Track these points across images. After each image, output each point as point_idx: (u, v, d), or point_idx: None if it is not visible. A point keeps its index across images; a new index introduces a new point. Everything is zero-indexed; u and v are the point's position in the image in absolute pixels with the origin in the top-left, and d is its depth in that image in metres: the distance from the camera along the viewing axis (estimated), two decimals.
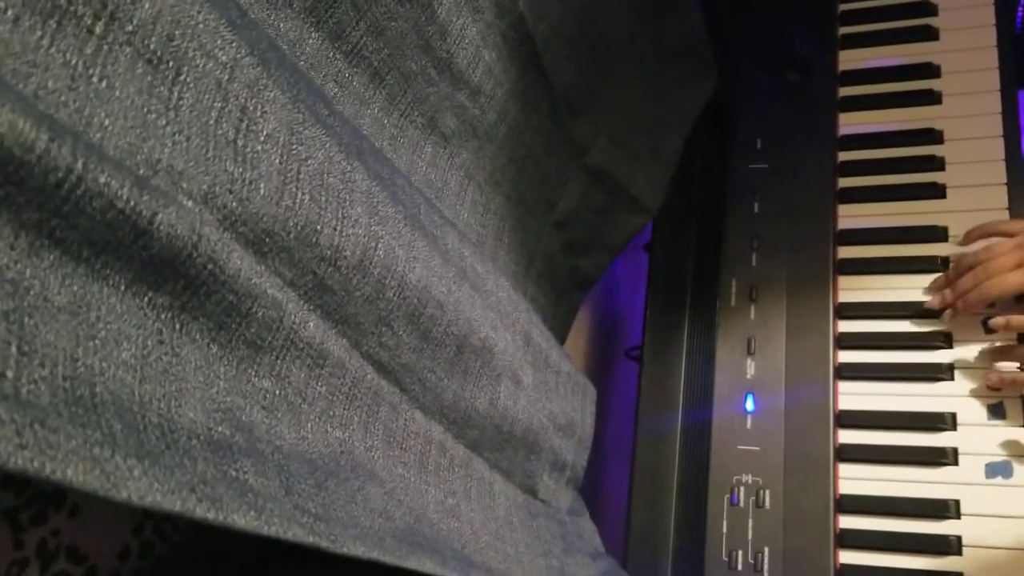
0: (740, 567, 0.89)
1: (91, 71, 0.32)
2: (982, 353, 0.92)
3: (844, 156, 1.06)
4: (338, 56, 0.56)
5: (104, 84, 0.32)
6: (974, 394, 0.90)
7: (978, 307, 0.91)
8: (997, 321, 0.89)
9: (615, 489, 1.10)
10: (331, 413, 0.48)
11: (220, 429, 0.37)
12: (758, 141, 1.08)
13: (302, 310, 0.44)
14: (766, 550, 0.89)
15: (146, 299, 0.34)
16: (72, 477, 0.27)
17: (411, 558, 0.46)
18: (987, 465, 0.87)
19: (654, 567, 0.93)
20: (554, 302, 1.01)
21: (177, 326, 0.36)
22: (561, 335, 1.06)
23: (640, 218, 1.07)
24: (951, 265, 0.95)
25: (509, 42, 0.74)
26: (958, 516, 0.86)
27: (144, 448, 0.31)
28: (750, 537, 0.90)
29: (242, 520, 0.33)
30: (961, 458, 0.88)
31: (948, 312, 0.93)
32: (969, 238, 0.95)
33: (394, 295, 0.50)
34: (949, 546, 0.85)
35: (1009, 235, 0.91)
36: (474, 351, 0.62)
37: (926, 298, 0.95)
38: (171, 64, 0.35)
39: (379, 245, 0.48)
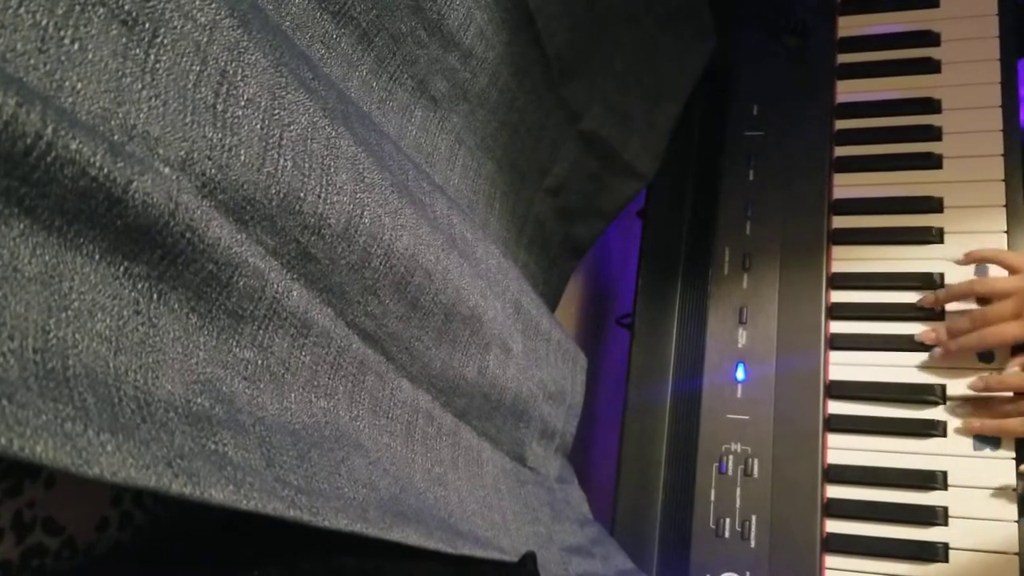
0: (727, 535, 0.89)
1: (62, 33, 0.30)
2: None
3: (841, 124, 1.05)
4: (325, 16, 0.55)
5: (76, 46, 0.31)
6: (964, 366, 0.90)
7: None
8: (986, 381, 0.88)
9: (604, 456, 1.10)
10: (315, 383, 0.47)
11: (199, 401, 0.36)
12: (754, 108, 1.07)
13: (285, 279, 0.43)
14: (753, 518, 0.89)
15: (122, 269, 0.34)
16: (42, 453, 0.26)
17: (395, 530, 0.46)
18: (975, 437, 0.87)
19: (642, 534, 0.93)
20: (546, 269, 1.00)
21: (155, 296, 0.35)
22: (552, 302, 1.05)
23: (634, 184, 1.06)
24: (945, 288, 0.93)
25: (501, 3, 0.72)
26: (945, 487, 0.86)
27: (118, 422, 0.30)
28: (738, 505, 0.90)
29: (220, 495, 0.33)
30: (949, 430, 0.88)
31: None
32: (968, 259, 0.93)
33: (380, 263, 0.50)
34: (936, 516, 0.85)
35: (1010, 268, 0.89)
36: (463, 319, 0.61)
37: (920, 270, 0.95)
38: (147, 25, 0.34)
39: (365, 213, 0.47)
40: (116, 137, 0.32)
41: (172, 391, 0.35)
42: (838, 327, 0.96)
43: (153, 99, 0.34)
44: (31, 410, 0.26)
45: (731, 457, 0.92)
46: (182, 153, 0.35)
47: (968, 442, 0.87)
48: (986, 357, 0.89)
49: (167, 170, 0.34)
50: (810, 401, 0.92)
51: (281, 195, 0.40)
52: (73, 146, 0.29)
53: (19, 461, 0.26)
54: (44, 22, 0.30)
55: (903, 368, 0.92)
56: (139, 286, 0.34)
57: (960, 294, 0.91)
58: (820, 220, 1.00)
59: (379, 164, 0.50)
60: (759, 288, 0.98)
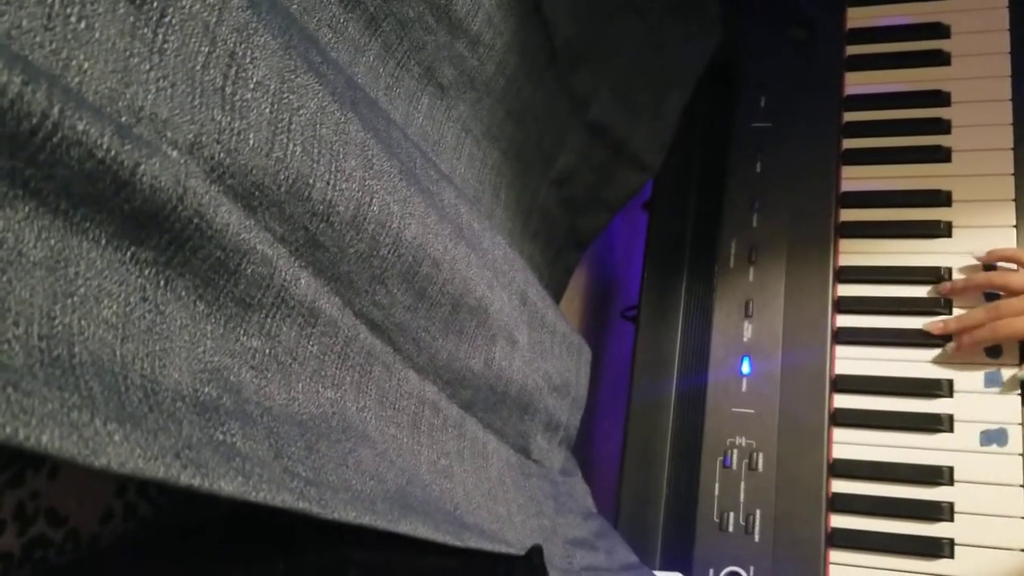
0: (731, 529, 0.89)
1: (69, 10, 0.30)
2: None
3: (849, 117, 1.04)
4: (333, 1, 0.54)
5: (83, 24, 0.30)
6: (971, 361, 0.89)
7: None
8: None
9: (608, 449, 1.09)
10: (323, 373, 0.46)
11: (207, 390, 0.36)
12: (762, 99, 1.06)
13: (293, 267, 0.42)
14: (758, 512, 0.88)
15: (129, 254, 0.33)
16: (48, 443, 0.25)
17: (403, 522, 0.45)
18: (982, 433, 0.87)
19: (645, 527, 0.93)
20: (551, 261, 0.99)
21: (162, 283, 0.35)
22: (557, 294, 1.04)
23: (640, 176, 1.05)
24: (963, 279, 0.92)
25: None
26: (951, 483, 0.86)
27: (125, 411, 0.29)
28: (742, 499, 0.89)
29: (229, 487, 0.32)
30: (956, 425, 0.87)
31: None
32: (989, 257, 0.92)
33: (388, 252, 0.49)
34: (941, 512, 0.85)
35: None
36: (470, 310, 0.60)
37: (928, 264, 0.94)
38: (155, 4, 0.33)
39: (374, 200, 0.46)
40: (123, 119, 0.31)
41: (179, 380, 0.34)
42: (844, 321, 0.95)
43: (161, 80, 0.33)
44: (37, 398, 0.25)
45: (736, 451, 0.91)
46: (190, 136, 0.34)
47: (975, 437, 0.86)
48: (993, 353, 0.89)
49: (175, 153, 0.33)
50: (816, 395, 0.92)
51: (290, 181, 0.39)
52: (80, 127, 0.28)
53: (22, 452, 0.25)
54: None
55: (910, 363, 0.92)
56: (146, 272, 0.34)
57: (977, 285, 0.91)
58: (827, 213, 0.99)
59: (388, 151, 0.49)
60: (765, 281, 0.98)
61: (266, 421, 0.39)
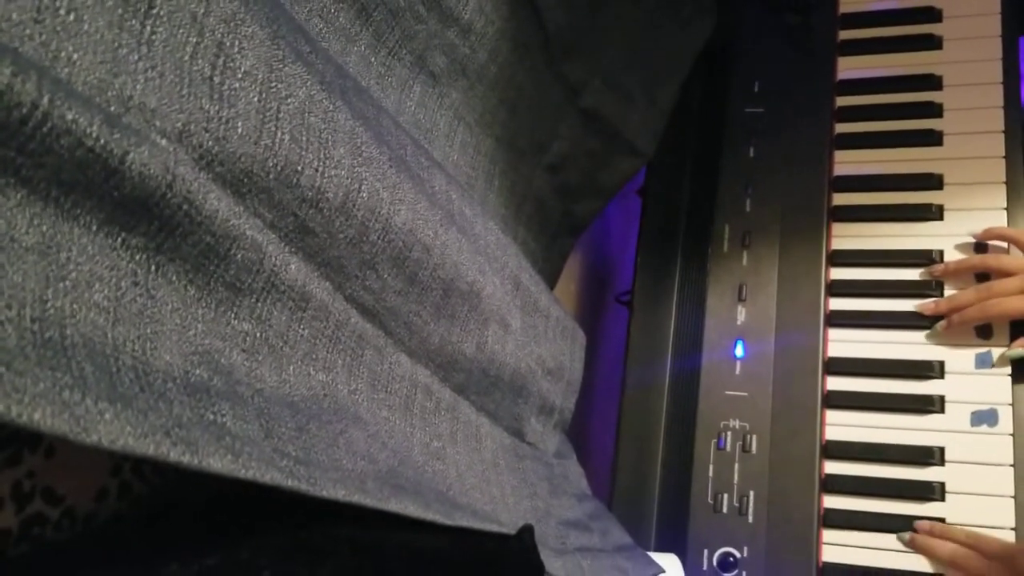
0: (725, 510, 0.90)
1: (58, 3, 0.30)
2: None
3: (842, 101, 1.05)
4: None
5: (72, 16, 0.31)
6: (962, 342, 0.90)
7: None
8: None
9: (603, 433, 1.10)
10: (314, 356, 0.47)
11: (197, 372, 0.37)
12: (755, 84, 1.07)
13: (283, 252, 0.43)
14: (751, 493, 0.90)
15: (119, 240, 0.34)
16: (39, 421, 0.26)
17: (393, 501, 0.46)
18: (973, 413, 0.88)
19: (640, 509, 0.94)
20: (545, 246, 1.00)
21: (152, 268, 0.36)
22: (551, 280, 1.05)
23: (634, 162, 1.05)
24: (956, 260, 0.93)
25: None
26: (942, 463, 0.87)
27: (117, 391, 0.30)
28: (736, 481, 0.91)
29: (218, 464, 0.33)
30: (947, 406, 0.89)
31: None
32: (987, 235, 0.93)
33: (378, 238, 0.50)
34: (932, 492, 0.86)
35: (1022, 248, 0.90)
36: (461, 295, 0.61)
37: (920, 247, 0.95)
38: None
39: (363, 187, 0.47)
40: (112, 108, 0.32)
41: (170, 362, 0.35)
42: (837, 304, 0.96)
43: (150, 71, 0.34)
44: (29, 378, 0.26)
45: (729, 433, 0.93)
46: (179, 125, 0.35)
47: (966, 418, 0.88)
48: (984, 333, 0.90)
49: (164, 142, 0.34)
50: (809, 378, 0.93)
51: (279, 168, 0.40)
52: (69, 116, 0.29)
53: (19, 432, 0.26)
54: None
55: (902, 344, 0.93)
56: (137, 257, 0.35)
57: (971, 267, 0.91)
58: (820, 197, 1.00)
59: (377, 138, 0.50)
60: (758, 265, 0.99)
61: (257, 402, 0.40)
